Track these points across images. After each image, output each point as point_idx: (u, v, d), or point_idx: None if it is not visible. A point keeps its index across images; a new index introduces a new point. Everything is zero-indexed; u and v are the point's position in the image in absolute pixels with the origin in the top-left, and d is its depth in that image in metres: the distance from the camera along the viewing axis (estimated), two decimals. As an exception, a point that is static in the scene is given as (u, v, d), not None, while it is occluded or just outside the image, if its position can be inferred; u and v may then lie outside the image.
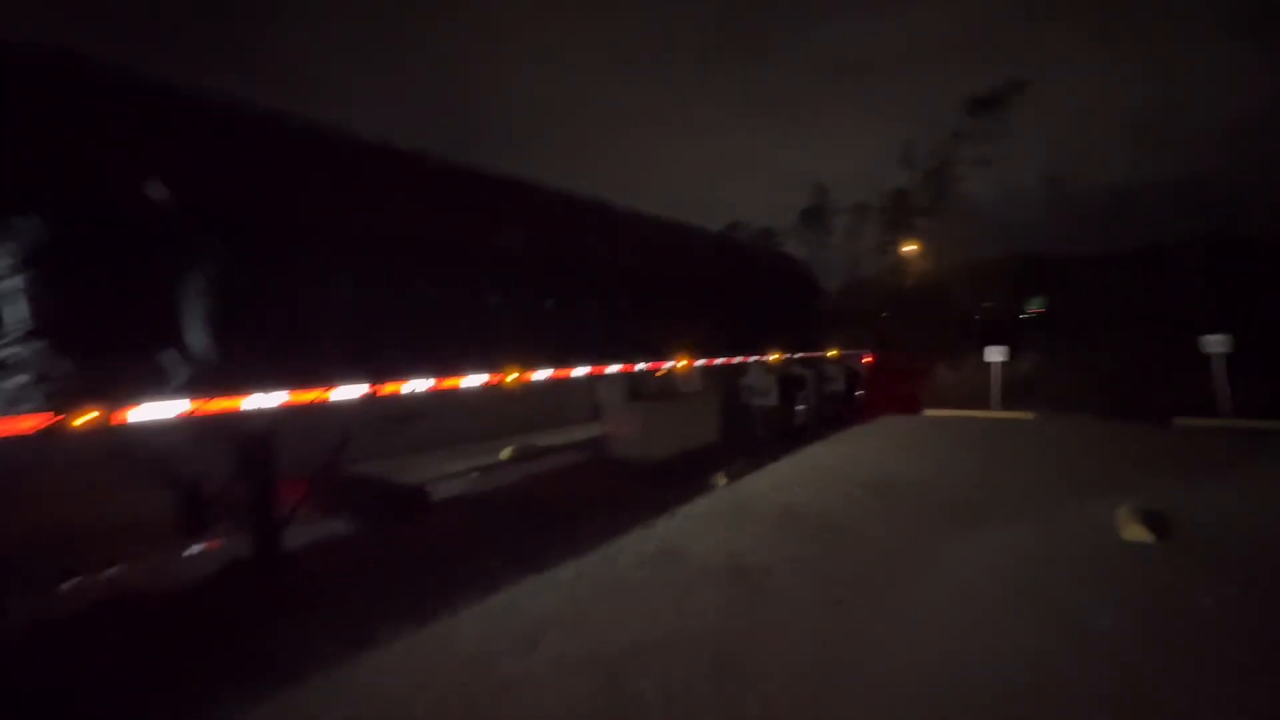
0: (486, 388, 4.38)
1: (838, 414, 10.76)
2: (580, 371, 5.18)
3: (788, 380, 8.70)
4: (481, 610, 3.59)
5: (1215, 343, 9.79)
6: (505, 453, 7.70)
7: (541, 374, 4.80)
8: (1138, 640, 3.02)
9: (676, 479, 6.34)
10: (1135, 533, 4.38)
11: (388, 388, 3.72)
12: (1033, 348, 15.44)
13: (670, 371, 6.57)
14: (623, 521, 5.14)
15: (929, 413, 11.34)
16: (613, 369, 5.56)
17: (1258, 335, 11.49)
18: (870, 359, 11.86)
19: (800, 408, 9.14)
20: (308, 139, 3.59)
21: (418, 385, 3.89)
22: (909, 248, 42.47)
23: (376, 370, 3.71)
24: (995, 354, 11.36)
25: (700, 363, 6.88)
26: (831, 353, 10.34)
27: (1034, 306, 27.92)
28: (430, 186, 4.22)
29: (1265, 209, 23.33)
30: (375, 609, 3.56)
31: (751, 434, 8.67)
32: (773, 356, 8.37)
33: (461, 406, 4.94)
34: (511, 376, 4.53)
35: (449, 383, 4.09)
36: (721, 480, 6.30)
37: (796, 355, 9.13)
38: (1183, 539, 4.38)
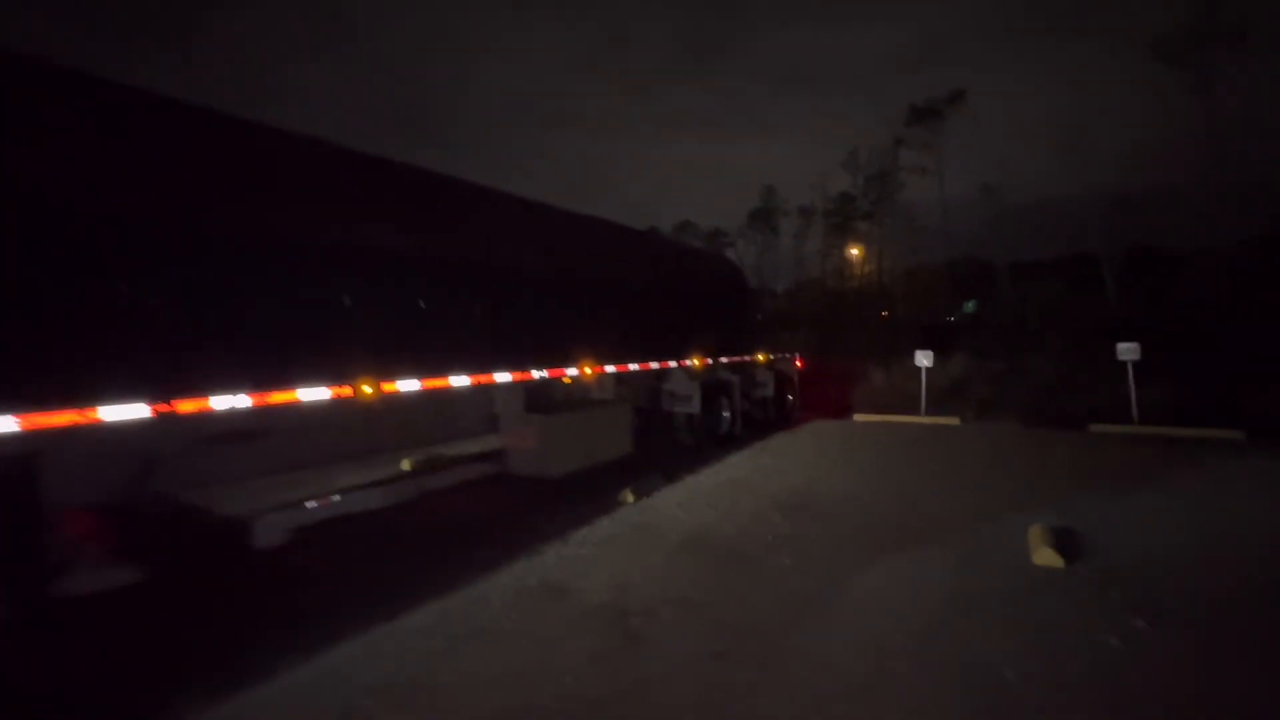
0: (335, 402, 3.74)
1: (768, 419, 10.49)
2: (460, 381, 4.58)
3: (712, 386, 8.31)
4: (301, 677, 2.97)
5: (1127, 350, 9.99)
6: (406, 464, 6.98)
7: (408, 385, 4.18)
8: (1044, 696, 2.68)
9: (579, 497, 5.82)
10: (1046, 557, 4.13)
11: (187, 405, 3.04)
12: (964, 352, 15.69)
13: (578, 379, 6.03)
14: (508, 550, 4.59)
15: (859, 418, 11.22)
16: (503, 378, 4.98)
17: (1168, 343, 11.93)
18: (801, 363, 11.66)
19: (726, 414, 8.77)
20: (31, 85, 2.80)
21: (233, 401, 3.22)
22: (852, 251, 43.42)
23: (174, 384, 3.03)
24: (923, 359, 11.34)
25: (611, 369, 6.38)
26: (760, 357, 10.04)
27: (967, 310, 28.84)
28: (241, 153, 3.50)
29: (1181, 223, 24.77)
30: (159, 684, 2.89)
31: (673, 443, 8.25)
32: (695, 361, 7.95)
33: (352, 419, 4.31)
34: (366, 388, 3.90)
35: (277, 398, 3.43)
36: (629, 498, 5.82)
37: (722, 360, 8.76)
38: (1092, 562, 4.16)
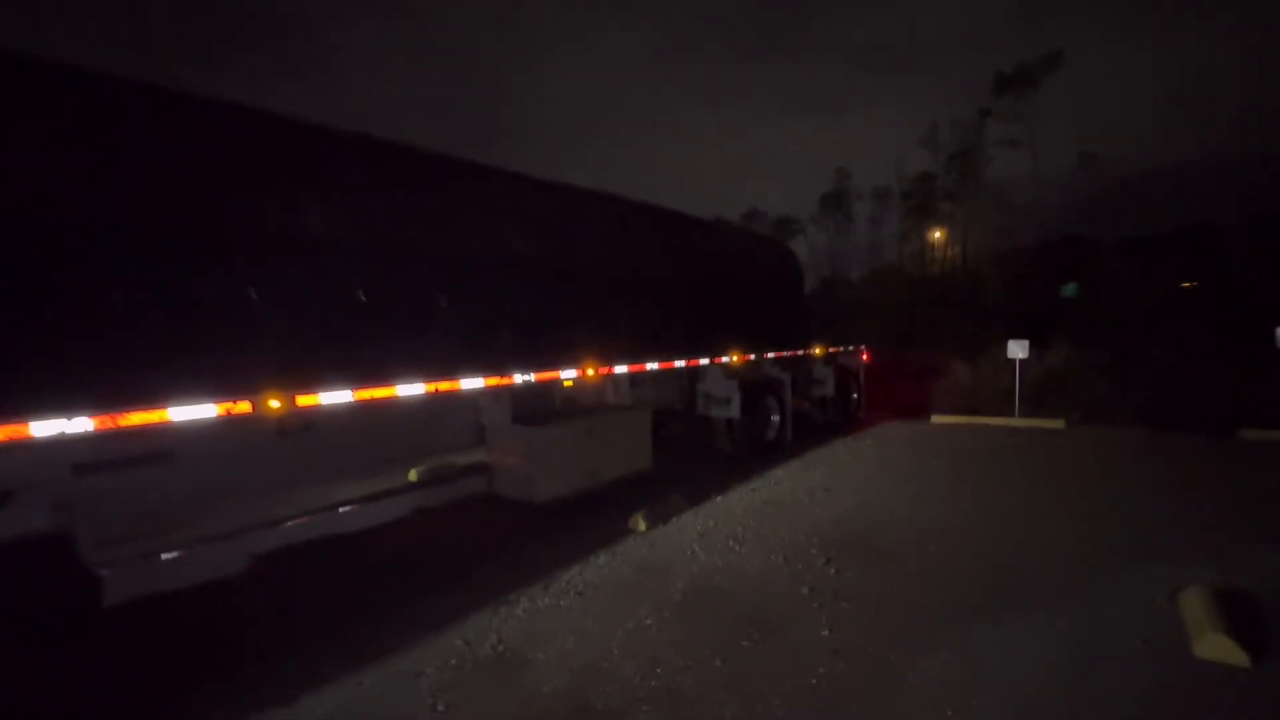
0: (225, 421, 2.96)
1: (828, 421, 9.20)
2: (411, 390, 3.73)
3: (755, 386, 7.15)
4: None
5: (1294, 337, 7.95)
6: (412, 474, 6.32)
7: (335, 396, 3.37)
8: None
9: (582, 524, 4.89)
10: (1217, 647, 2.79)
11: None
12: (1064, 340, 13.55)
13: (580, 381, 5.09)
14: (473, 597, 3.71)
15: (937, 419, 9.67)
16: (473, 384, 4.10)
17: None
18: (868, 356, 10.21)
19: (774, 418, 7.58)
20: None
21: (64, 426, 2.48)
22: (934, 234, 40.25)
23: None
24: (1017, 349, 9.60)
25: (621, 369, 5.39)
26: (817, 350, 8.74)
27: (1066, 293, 25.85)
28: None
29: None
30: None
31: (711, 453, 7.18)
32: (733, 357, 6.83)
33: (295, 435, 3.61)
34: (273, 403, 3.11)
35: (137, 419, 2.67)
36: (640, 525, 4.82)
37: (768, 355, 7.57)
38: (1295, 659, 2.79)
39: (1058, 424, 8.85)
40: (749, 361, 7.17)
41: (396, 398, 3.64)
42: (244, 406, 3.01)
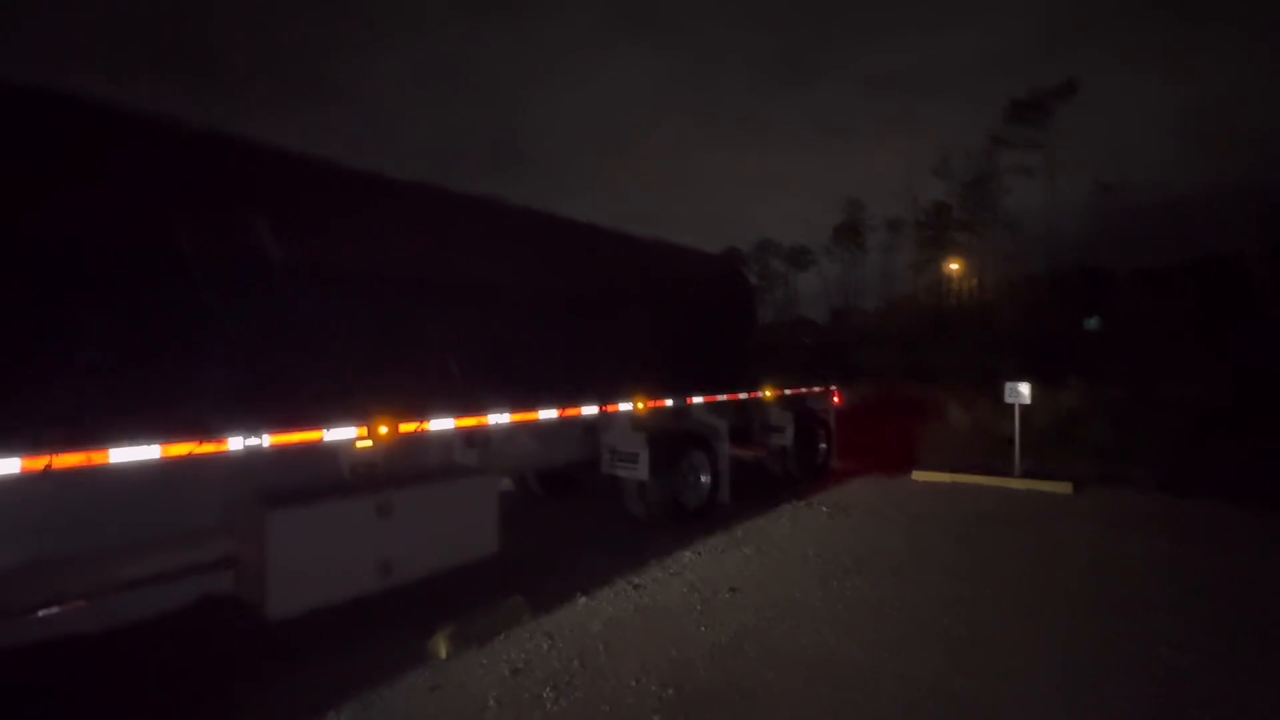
0: None
1: (788, 476, 7.71)
2: (-7, 468, 2.39)
3: (675, 439, 5.71)
4: None
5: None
6: None
7: None
8: None
9: (349, 648, 3.45)
10: None
11: None
12: (1079, 377, 11.91)
13: (380, 441, 3.73)
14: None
15: (919, 476, 8.09)
16: (137, 454, 2.75)
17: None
18: (840, 398, 8.73)
19: (704, 478, 6.11)
20: None
21: None
22: (951, 265, 38.75)
23: None
24: (1018, 393, 8.03)
25: (442, 424, 4.01)
26: (768, 392, 7.30)
27: (1089, 327, 24.15)
28: None
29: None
30: None
31: (623, 519, 5.74)
32: (638, 403, 5.44)
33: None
34: None
35: None
36: (440, 650, 3.38)
37: (696, 399, 6.16)
38: None
39: (1064, 488, 7.23)
40: (664, 409, 5.76)
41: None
42: None
